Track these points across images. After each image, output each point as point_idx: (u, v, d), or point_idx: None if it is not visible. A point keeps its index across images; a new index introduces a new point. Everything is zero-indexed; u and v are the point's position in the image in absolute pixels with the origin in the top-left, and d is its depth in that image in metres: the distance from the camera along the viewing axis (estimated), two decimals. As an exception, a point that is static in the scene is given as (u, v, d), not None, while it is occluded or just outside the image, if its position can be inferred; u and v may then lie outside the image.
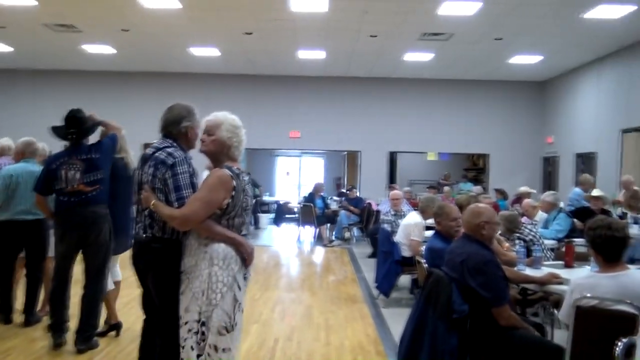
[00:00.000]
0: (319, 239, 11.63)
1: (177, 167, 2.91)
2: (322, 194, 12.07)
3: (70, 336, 4.36)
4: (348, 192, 12.92)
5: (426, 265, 3.91)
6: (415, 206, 9.02)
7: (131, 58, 12.46)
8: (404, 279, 6.84)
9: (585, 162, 12.03)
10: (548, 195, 7.24)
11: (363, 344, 4.84)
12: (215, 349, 2.74)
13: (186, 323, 2.79)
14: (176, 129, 3.05)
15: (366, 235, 10.97)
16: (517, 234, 5.13)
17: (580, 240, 5.66)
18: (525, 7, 8.26)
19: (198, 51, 11.56)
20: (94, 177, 4.27)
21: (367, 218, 11.40)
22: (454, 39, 10.18)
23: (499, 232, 5.20)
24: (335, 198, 13.29)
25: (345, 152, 16.93)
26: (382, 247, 6.52)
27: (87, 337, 4.27)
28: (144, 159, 3.03)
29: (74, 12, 9.02)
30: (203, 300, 2.76)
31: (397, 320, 5.40)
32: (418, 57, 11.66)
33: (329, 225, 11.68)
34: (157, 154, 2.98)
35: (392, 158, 15.22)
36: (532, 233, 5.20)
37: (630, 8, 8.14)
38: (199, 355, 2.75)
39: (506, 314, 3.19)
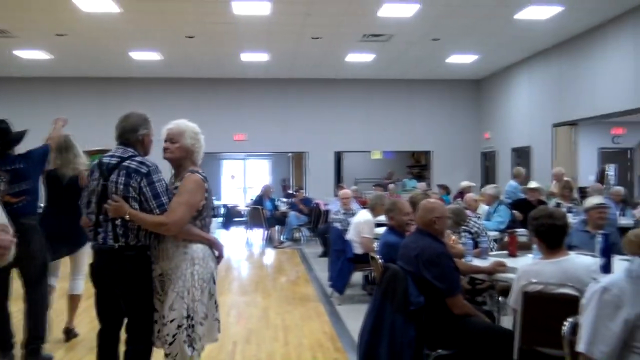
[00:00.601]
0: (269, 241, 11.65)
1: (152, 175, 2.97)
2: (271, 196, 12.09)
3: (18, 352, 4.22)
4: (296, 193, 13.00)
5: (381, 260, 4.04)
6: (363, 204, 9.20)
7: (68, 63, 12.09)
8: (357, 276, 6.98)
9: (521, 155, 12.62)
10: (490, 189, 7.58)
11: (321, 341, 4.93)
12: (200, 337, 3.03)
13: (172, 321, 2.96)
14: (134, 136, 3.11)
15: (316, 235, 11.08)
16: (464, 227, 5.36)
17: (522, 231, 5.97)
18: (460, 8, 8.60)
19: (139, 55, 11.34)
20: (20, 188, 4.13)
21: (316, 218, 11.52)
22: (394, 40, 10.45)
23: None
24: (283, 199, 13.34)
25: (291, 154, 17.01)
26: (334, 246, 6.63)
27: (33, 350, 4.14)
28: (109, 169, 3.00)
29: (7, 16, 8.67)
30: (189, 298, 2.97)
31: (352, 316, 5.55)
32: (360, 58, 11.88)
33: (278, 227, 11.72)
34: (125, 163, 2.99)
35: (338, 158, 15.44)
36: (477, 225, 5.44)
37: (557, 9, 8.63)
38: (191, 347, 2.98)
39: (460, 302, 3.36)
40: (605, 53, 9.45)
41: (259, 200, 11.92)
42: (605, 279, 2.12)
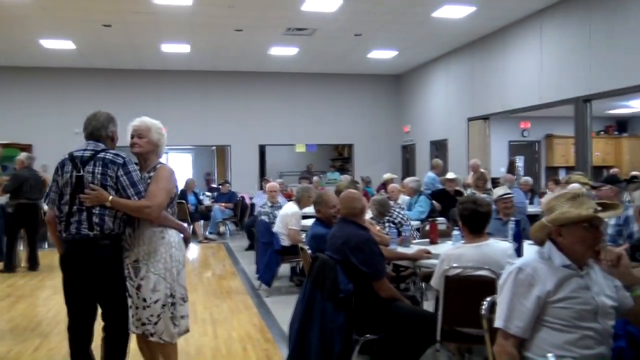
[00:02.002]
0: (193, 236, 11.45)
1: (128, 165, 3.16)
2: (194, 190, 11.89)
3: None
4: (220, 186, 12.86)
5: (310, 251, 4.12)
6: (288, 197, 9.28)
7: (-30, 51, 11.26)
8: (284, 268, 7.05)
9: (438, 148, 13.17)
10: (411, 182, 7.88)
11: (250, 333, 4.96)
12: (181, 317, 3.31)
13: (156, 302, 3.19)
14: (104, 133, 3.27)
15: (242, 229, 11.03)
16: (388, 217, 5.56)
17: (441, 219, 6.28)
18: (381, 5, 8.83)
19: (50, 44, 10.74)
20: None
21: (241, 212, 11.47)
22: (317, 34, 10.56)
23: (371, 215, 5.61)
24: (207, 194, 13.15)
25: (215, 147, 16.78)
26: (261, 239, 6.66)
27: None
28: (83, 161, 3.12)
29: None
30: (170, 279, 3.23)
31: (281, 307, 5.62)
32: (283, 51, 11.91)
33: (202, 221, 11.55)
34: (101, 155, 3.14)
35: (262, 151, 15.41)
36: (401, 215, 5.67)
37: (470, 9, 9.08)
38: (173, 324, 3.25)
39: (386, 286, 3.51)
40: (514, 52, 10.06)
41: (182, 195, 11.68)
42: (519, 260, 2.31)
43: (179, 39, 10.79)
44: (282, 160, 17.29)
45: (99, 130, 3.26)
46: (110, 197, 3.06)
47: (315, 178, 12.31)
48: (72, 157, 3.17)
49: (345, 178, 11.67)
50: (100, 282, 3.12)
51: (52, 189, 3.21)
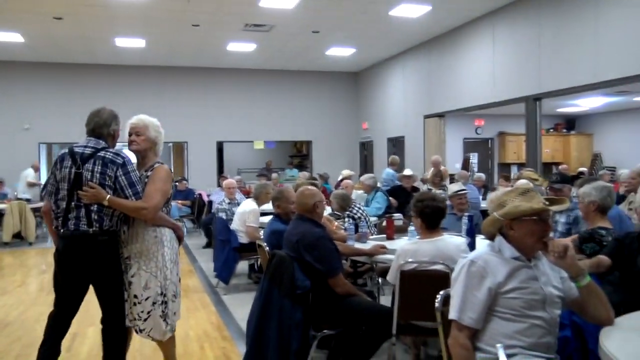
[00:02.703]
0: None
1: (127, 165, 3.19)
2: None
3: None
4: (177, 183, 12.65)
5: (267, 248, 4.11)
6: (246, 194, 9.22)
7: None
8: (242, 265, 7.02)
9: (396, 145, 13.35)
10: (367, 179, 7.96)
11: (208, 331, 4.91)
12: (172, 313, 3.37)
13: (147, 299, 3.25)
14: (107, 130, 3.28)
15: (199, 226, 10.90)
16: (348, 212, 5.61)
17: (397, 215, 6.37)
18: (338, 2, 8.88)
19: (-4, 36, 10.35)
20: None
21: (199, 209, 11.33)
22: (275, 31, 10.53)
23: (329, 212, 5.64)
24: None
25: (171, 144, 16.48)
26: (219, 236, 6.59)
27: None
28: (83, 158, 3.15)
29: None
30: (161, 277, 3.29)
31: (239, 305, 5.60)
32: (241, 47, 11.83)
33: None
34: (101, 154, 3.16)
35: (220, 148, 15.26)
36: (361, 211, 5.73)
37: (426, 8, 9.24)
38: (165, 322, 3.30)
39: (341, 282, 3.54)
40: (468, 51, 10.28)
41: (138, 192, 11.44)
42: (471, 254, 2.37)
43: (133, 33, 10.57)
44: (241, 157, 17.18)
45: (101, 127, 3.27)
46: (108, 197, 3.09)
47: (274, 175, 12.27)
48: (72, 153, 3.18)
49: (304, 175, 11.69)
50: (99, 277, 3.19)
51: (50, 181, 3.24)
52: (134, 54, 12.29)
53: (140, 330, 3.29)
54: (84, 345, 4.48)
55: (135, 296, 3.27)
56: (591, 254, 3.37)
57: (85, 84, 13.08)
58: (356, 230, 4.87)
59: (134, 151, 3.40)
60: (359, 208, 5.82)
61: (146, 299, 3.26)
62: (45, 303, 6.16)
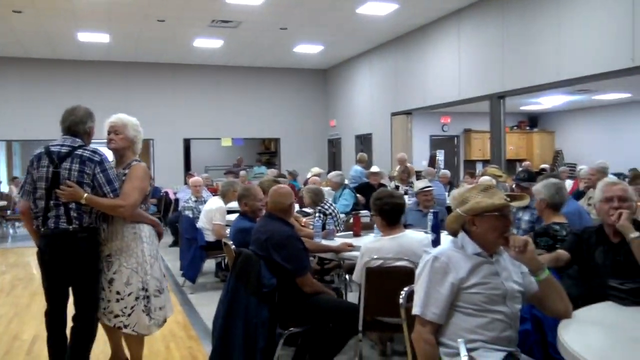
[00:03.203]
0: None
1: (105, 163, 3.24)
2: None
3: None
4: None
5: (234, 246, 4.08)
6: (214, 192, 9.13)
7: None
8: (209, 264, 6.95)
9: (364, 142, 13.42)
10: (335, 176, 7.98)
11: (174, 331, 4.85)
12: (155, 308, 3.40)
13: (130, 294, 3.32)
14: (82, 128, 3.32)
15: (166, 225, 10.75)
16: (320, 208, 5.62)
17: (364, 212, 6.41)
18: None
19: (-48, 29, 9.99)
20: None
21: (165, 207, 11.18)
22: (242, 27, 10.45)
23: (297, 208, 5.64)
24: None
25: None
26: (185, 235, 6.52)
27: None
28: (60, 157, 3.18)
29: None
30: (142, 272, 3.35)
31: (206, 303, 5.55)
32: (208, 43, 11.70)
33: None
34: (78, 152, 3.20)
35: (187, 145, 15.07)
36: (332, 208, 5.75)
37: (393, 6, 9.30)
38: (148, 316, 3.35)
39: (309, 281, 3.54)
40: (434, 50, 10.40)
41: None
42: (435, 250, 2.40)
43: (97, 28, 10.34)
44: (209, 154, 17.01)
45: (77, 125, 3.30)
46: (85, 195, 3.13)
47: (242, 172, 12.19)
48: (48, 152, 3.20)
49: (272, 172, 11.67)
50: (76, 273, 3.23)
51: (27, 181, 3.26)
52: (98, 49, 12.03)
53: (125, 326, 3.33)
54: (44, 349, 4.37)
55: (118, 292, 3.32)
56: (545, 246, 3.46)
57: (47, 80, 12.74)
58: (323, 228, 4.88)
59: (112, 149, 3.46)
60: (331, 204, 5.84)
61: (129, 295, 3.31)
62: (5, 304, 5.99)
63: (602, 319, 2.24)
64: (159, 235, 3.60)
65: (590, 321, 2.21)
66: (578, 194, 6.55)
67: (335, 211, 5.86)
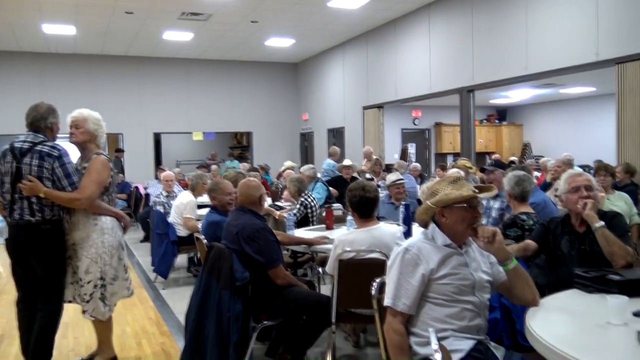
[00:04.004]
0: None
1: (63, 157, 3.38)
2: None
3: None
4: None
5: (205, 240, 4.06)
6: (185, 187, 9.04)
7: None
8: (181, 259, 6.90)
9: (336, 135, 13.45)
10: (307, 170, 7.97)
11: (146, 327, 4.81)
12: (110, 295, 3.62)
13: (89, 282, 3.53)
14: (44, 124, 3.46)
15: (136, 220, 10.61)
16: (303, 198, 5.64)
17: (337, 205, 6.44)
18: (278, -8, 8.82)
19: None
20: None
21: (135, 202, 11.03)
22: (213, 20, 10.34)
23: (270, 203, 5.63)
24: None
25: (105, 135, 15.92)
26: (156, 230, 6.44)
27: None
28: (22, 152, 3.35)
29: None
30: (101, 262, 3.53)
31: (178, 299, 5.51)
32: (178, 36, 11.54)
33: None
34: (38, 148, 3.36)
35: (157, 139, 14.87)
36: (314, 200, 5.79)
37: (364, 0, 9.31)
38: (103, 302, 3.57)
39: (282, 273, 3.53)
40: (405, 43, 10.47)
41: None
42: (406, 242, 2.43)
43: (62, 20, 10.10)
44: (180, 148, 16.82)
45: (38, 121, 3.45)
46: (44, 189, 3.31)
47: (213, 167, 12.08)
48: (12, 148, 3.39)
49: (244, 167, 11.61)
50: (40, 262, 3.41)
51: None
52: (64, 42, 11.76)
53: (84, 311, 3.56)
54: (12, 347, 4.29)
55: (80, 279, 3.54)
56: (514, 237, 3.55)
57: (12, 72, 12.40)
58: (305, 219, 4.89)
59: (74, 143, 3.59)
60: (312, 197, 5.86)
61: (88, 282, 3.52)
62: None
63: (568, 307, 2.31)
64: (125, 228, 3.74)
65: (556, 309, 2.26)
66: (545, 186, 6.70)
67: (315, 203, 5.88)
